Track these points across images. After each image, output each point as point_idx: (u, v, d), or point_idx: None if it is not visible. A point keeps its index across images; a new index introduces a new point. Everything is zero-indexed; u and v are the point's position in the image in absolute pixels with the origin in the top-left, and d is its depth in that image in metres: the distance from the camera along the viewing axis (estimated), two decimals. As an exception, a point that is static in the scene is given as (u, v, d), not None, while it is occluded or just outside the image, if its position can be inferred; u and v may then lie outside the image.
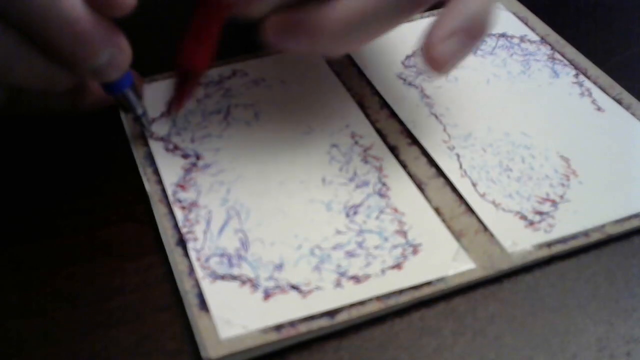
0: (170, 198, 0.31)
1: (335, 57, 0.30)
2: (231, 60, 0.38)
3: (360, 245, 0.29)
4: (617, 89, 0.38)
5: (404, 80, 0.38)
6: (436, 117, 0.36)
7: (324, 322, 0.26)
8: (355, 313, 0.27)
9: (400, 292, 0.28)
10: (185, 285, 0.27)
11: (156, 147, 0.33)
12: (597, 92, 0.37)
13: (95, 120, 0.34)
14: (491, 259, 0.29)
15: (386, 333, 0.27)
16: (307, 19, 0.29)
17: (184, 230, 0.29)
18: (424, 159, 0.33)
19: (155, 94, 0.36)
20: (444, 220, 0.30)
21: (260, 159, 0.33)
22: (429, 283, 0.28)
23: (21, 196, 0.31)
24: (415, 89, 0.37)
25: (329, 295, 0.27)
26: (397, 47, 0.40)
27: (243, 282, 0.28)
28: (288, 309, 0.27)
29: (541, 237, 0.30)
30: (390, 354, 0.26)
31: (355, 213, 0.31)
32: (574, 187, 0.32)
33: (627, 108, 0.36)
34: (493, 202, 0.31)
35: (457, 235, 0.30)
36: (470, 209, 0.31)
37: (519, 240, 0.30)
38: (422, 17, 0.40)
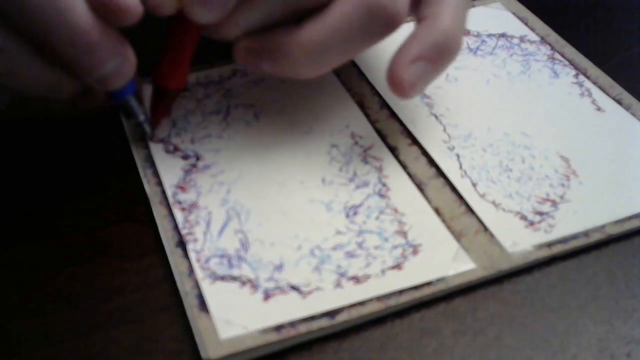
0: (170, 200, 0.31)
1: (308, 79, 0.30)
2: (231, 61, 0.38)
3: (360, 245, 0.29)
4: (617, 89, 0.38)
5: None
6: (436, 117, 0.36)
7: (324, 323, 0.26)
8: (356, 313, 0.27)
9: (401, 292, 0.28)
10: (185, 286, 0.27)
11: (156, 149, 0.33)
12: (597, 92, 0.37)
13: (96, 121, 0.34)
14: (491, 259, 0.29)
15: (386, 333, 0.27)
16: (274, 44, 0.30)
17: (184, 231, 0.29)
18: (424, 159, 0.33)
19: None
20: (444, 221, 0.30)
21: (260, 160, 0.33)
22: (429, 283, 0.28)
23: (21, 196, 0.31)
24: (415, 89, 0.37)
25: (329, 296, 0.27)
26: (397, 47, 0.40)
27: (243, 283, 0.28)
28: (288, 310, 0.27)
29: (541, 237, 0.30)
30: (391, 354, 0.26)
31: (355, 213, 0.31)
32: (574, 187, 0.32)
33: (627, 108, 0.36)
34: (493, 202, 0.31)
35: (457, 236, 0.30)
36: (470, 209, 0.31)
37: (519, 241, 0.30)
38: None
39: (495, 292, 0.29)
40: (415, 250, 0.29)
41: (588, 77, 0.38)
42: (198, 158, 0.33)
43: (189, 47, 0.31)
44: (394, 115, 0.35)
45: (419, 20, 0.31)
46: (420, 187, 0.32)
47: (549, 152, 0.34)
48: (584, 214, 0.31)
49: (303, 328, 0.26)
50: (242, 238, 0.29)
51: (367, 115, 0.35)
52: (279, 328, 0.26)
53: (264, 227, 0.30)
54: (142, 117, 0.32)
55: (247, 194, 0.31)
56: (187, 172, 0.32)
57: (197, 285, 0.27)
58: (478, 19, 0.43)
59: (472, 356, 0.26)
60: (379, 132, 0.35)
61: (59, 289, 0.28)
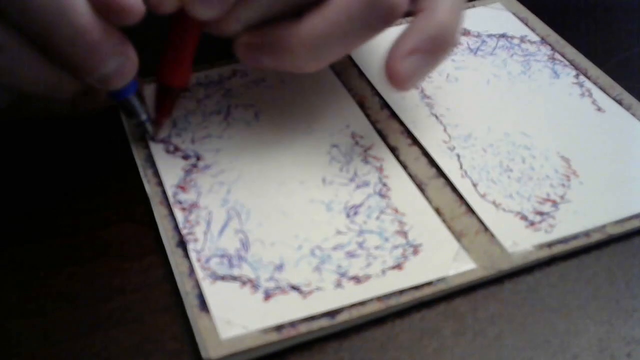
0: (171, 200, 0.31)
1: (308, 73, 0.31)
2: (231, 61, 0.38)
3: (360, 245, 0.29)
4: (618, 89, 0.38)
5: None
6: (436, 117, 0.36)
7: (324, 323, 0.26)
8: (356, 313, 0.27)
9: (401, 292, 0.28)
10: (185, 286, 0.27)
11: (156, 149, 0.33)
12: (597, 93, 0.37)
13: (96, 121, 0.34)
14: (492, 259, 0.29)
15: (387, 333, 0.27)
16: (274, 38, 0.30)
17: (184, 231, 0.29)
18: (424, 160, 0.33)
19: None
20: (444, 221, 0.30)
21: (261, 160, 0.33)
22: (429, 283, 0.28)
23: (21, 196, 0.31)
24: (415, 90, 0.37)
25: (329, 296, 0.27)
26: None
27: (243, 283, 0.28)
28: (288, 310, 0.27)
29: (542, 237, 0.30)
30: (391, 354, 0.26)
31: (355, 213, 0.31)
32: (574, 187, 0.32)
33: (628, 108, 0.36)
34: (493, 203, 0.31)
35: (458, 236, 0.30)
36: (470, 209, 0.31)
37: (519, 241, 0.30)
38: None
39: (495, 292, 0.29)
40: (415, 250, 0.29)
41: (588, 78, 0.38)
42: (198, 158, 0.33)
43: (191, 45, 0.31)
44: (394, 115, 0.35)
45: (416, 13, 0.31)
46: (420, 187, 0.32)
47: (549, 152, 0.34)
48: (584, 214, 0.31)
49: (303, 328, 0.26)
50: (243, 238, 0.29)
51: (368, 115, 0.35)
52: (279, 328, 0.26)
53: (265, 227, 0.30)
54: (144, 117, 0.32)
55: (248, 193, 0.31)
56: (188, 172, 0.32)
57: (197, 285, 0.27)
58: (478, 19, 0.43)
59: (473, 356, 0.26)
60: (380, 132, 0.35)
61: (59, 289, 0.28)
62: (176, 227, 0.29)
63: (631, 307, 0.28)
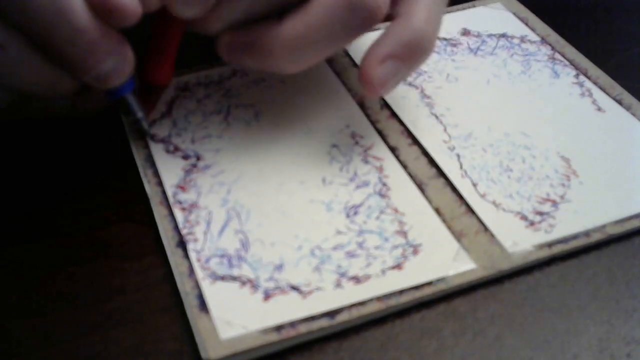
0: (171, 199, 0.31)
1: (290, 74, 0.31)
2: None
3: (360, 245, 0.29)
4: (618, 89, 0.38)
5: (404, 80, 0.38)
6: (436, 117, 0.36)
7: (324, 323, 0.26)
8: (356, 313, 0.27)
9: (401, 292, 0.27)
10: (185, 287, 0.27)
11: (156, 149, 0.33)
12: (597, 93, 0.37)
13: (96, 121, 0.34)
14: (492, 259, 0.29)
15: (387, 334, 0.27)
16: (255, 38, 0.30)
17: (184, 231, 0.29)
18: (424, 159, 0.33)
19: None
20: (444, 221, 0.30)
21: (261, 160, 0.33)
22: (429, 283, 0.28)
23: (21, 196, 0.31)
24: (415, 89, 0.37)
25: (329, 296, 0.27)
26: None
27: (243, 283, 0.28)
28: (288, 310, 0.27)
29: (542, 237, 0.30)
30: (391, 354, 0.26)
31: (355, 213, 0.31)
32: (574, 187, 0.32)
33: (628, 108, 0.36)
34: (493, 203, 0.31)
35: (458, 236, 0.30)
36: (470, 209, 0.31)
37: (519, 241, 0.30)
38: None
39: (495, 292, 0.28)
40: (415, 250, 0.29)
41: (588, 77, 0.38)
42: (198, 158, 0.33)
43: (174, 42, 0.31)
44: (394, 115, 0.35)
45: (393, 18, 0.31)
46: (420, 187, 0.32)
47: (549, 152, 0.34)
48: (584, 214, 0.31)
49: (303, 328, 0.26)
50: (243, 238, 0.29)
51: (368, 115, 0.35)
52: (279, 328, 0.26)
53: (264, 227, 0.30)
54: (140, 115, 0.32)
55: (247, 193, 0.31)
56: (188, 172, 0.32)
57: (197, 286, 0.27)
58: (478, 19, 0.43)
59: (473, 356, 0.26)
60: (380, 132, 0.35)
61: (59, 289, 0.28)
62: (176, 227, 0.29)
63: (631, 307, 0.28)
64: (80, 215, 0.31)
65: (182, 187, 0.31)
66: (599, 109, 0.36)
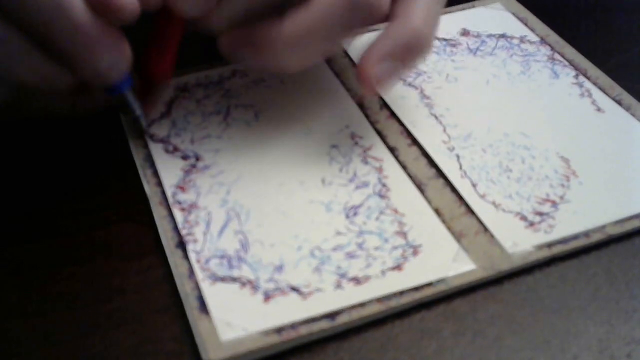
0: (170, 200, 0.31)
1: (290, 74, 0.31)
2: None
3: (360, 246, 0.29)
4: (617, 89, 0.38)
5: (404, 80, 0.38)
6: (436, 117, 0.36)
7: (324, 324, 0.26)
8: (356, 315, 0.27)
9: (401, 293, 0.28)
10: (185, 288, 0.27)
11: (156, 149, 0.33)
12: (597, 93, 0.37)
13: (96, 121, 0.34)
14: (491, 259, 0.29)
15: (387, 334, 0.27)
16: (256, 36, 0.30)
17: (183, 232, 0.29)
18: (423, 160, 0.33)
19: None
20: (444, 221, 0.30)
21: (260, 160, 0.33)
22: (429, 284, 0.28)
23: (21, 196, 0.31)
24: (414, 90, 0.37)
25: (329, 297, 0.27)
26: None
27: (243, 284, 0.28)
28: (288, 311, 0.27)
29: (541, 237, 0.30)
30: (391, 355, 0.26)
31: (355, 214, 0.31)
32: (574, 187, 0.32)
33: (627, 109, 0.36)
34: (493, 203, 0.31)
35: (457, 236, 0.30)
36: (470, 210, 0.31)
37: (519, 241, 0.30)
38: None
39: (495, 293, 0.29)
40: (415, 251, 0.29)
41: (588, 78, 0.38)
42: (198, 158, 0.33)
43: (175, 39, 0.31)
44: (393, 115, 0.35)
45: (391, 18, 0.31)
46: (420, 187, 0.32)
47: (548, 153, 0.34)
48: (584, 215, 0.31)
49: (303, 329, 0.26)
50: (242, 239, 0.29)
51: (367, 116, 0.35)
52: (279, 330, 0.26)
53: (264, 227, 0.30)
54: (138, 112, 0.32)
55: (247, 194, 0.31)
56: (187, 172, 0.32)
57: (197, 287, 0.27)
58: (478, 20, 0.43)
59: (472, 357, 0.26)
60: (379, 133, 0.35)
61: (59, 290, 0.28)
62: (175, 227, 0.29)
63: (631, 307, 0.28)
64: (80, 215, 0.31)
65: (181, 188, 0.31)
66: (599, 110, 0.36)
